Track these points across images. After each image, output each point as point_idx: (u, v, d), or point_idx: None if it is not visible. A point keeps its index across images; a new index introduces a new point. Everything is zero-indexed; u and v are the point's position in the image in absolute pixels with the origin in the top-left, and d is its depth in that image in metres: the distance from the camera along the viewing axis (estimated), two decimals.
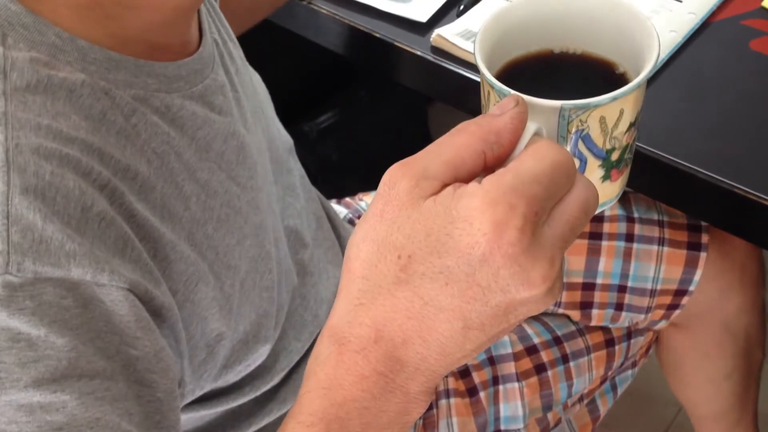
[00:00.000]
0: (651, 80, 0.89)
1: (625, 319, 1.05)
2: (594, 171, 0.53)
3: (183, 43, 0.67)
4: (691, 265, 1.02)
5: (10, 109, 0.53)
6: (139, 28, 0.61)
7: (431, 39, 0.97)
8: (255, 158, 0.73)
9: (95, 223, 0.53)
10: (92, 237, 0.53)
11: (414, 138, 1.94)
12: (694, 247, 1.02)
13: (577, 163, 0.51)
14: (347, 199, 1.12)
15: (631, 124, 0.52)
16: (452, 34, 0.97)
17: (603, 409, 1.11)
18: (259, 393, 0.76)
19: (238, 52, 0.80)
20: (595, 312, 1.05)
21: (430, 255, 0.42)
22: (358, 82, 1.74)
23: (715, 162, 0.81)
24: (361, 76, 1.72)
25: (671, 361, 1.16)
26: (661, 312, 1.05)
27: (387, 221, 0.44)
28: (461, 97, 0.98)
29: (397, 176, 0.44)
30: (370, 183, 1.58)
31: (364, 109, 1.76)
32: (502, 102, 0.47)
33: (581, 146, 0.51)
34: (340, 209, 1.08)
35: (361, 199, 1.12)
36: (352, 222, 1.06)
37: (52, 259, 0.50)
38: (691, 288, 1.03)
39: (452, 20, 0.98)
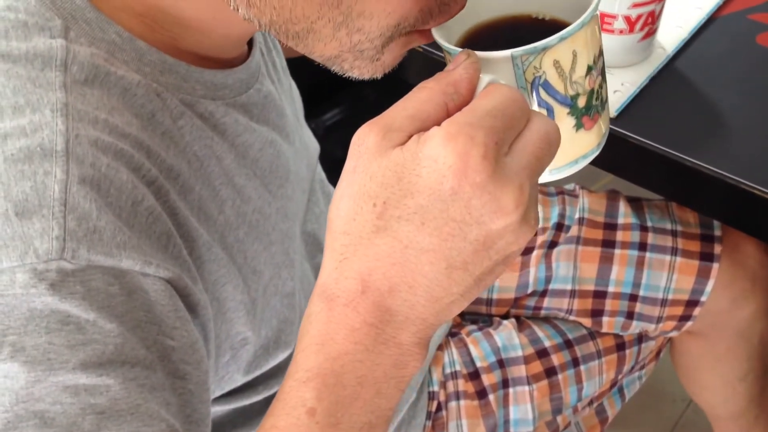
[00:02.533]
0: (657, 75, 0.89)
1: (636, 327, 1.05)
2: (564, 119, 0.54)
3: (235, 56, 0.68)
4: (703, 275, 1.01)
5: (70, 100, 0.53)
6: (189, 43, 0.62)
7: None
8: (290, 167, 0.74)
9: (143, 217, 0.54)
10: (140, 230, 0.53)
11: None
12: (707, 257, 1.02)
13: (543, 113, 0.52)
14: None
15: (590, 68, 0.53)
16: None
17: (611, 412, 1.10)
18: (272, 392, 0.76)
19: (280, 61, 0.81)
20: (605, 320, 1.04)
21: (403, 197, 0.44)
22: (364, 80, 1.74)
23: (722, 158, 0.81)
24: None
25: (685, 364, 1.16)
26: (672, 323, 1.04)
27: (360, 174, 0.45)
28: None
29: (365, 132, 0.46)
30: None
31: (370, 106, 1.75)
32: (455, 57, 0.50)
33: (543, 95, 0.52)
34: None
35: None
36: None
37: (105, 248, 0.51)
38: (703, 299, 1.02)
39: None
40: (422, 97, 0.47)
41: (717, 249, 1.02)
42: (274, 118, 0.72)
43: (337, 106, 1.66)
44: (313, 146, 0.88)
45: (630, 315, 1.04)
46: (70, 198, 0.50)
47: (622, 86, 0.87)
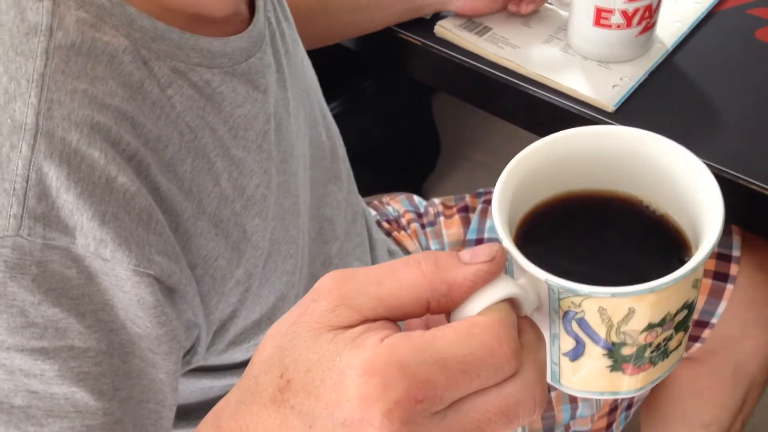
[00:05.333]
0: (655, 70, 0.89)
1: None
2: (596, 357, 0.43)
3: (228, 18, 0.67)
4: (714, 295, 0.97)
5: (49, 69, 0.53)
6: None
7: (434, 29, 0.96)
8: (293, 141, 0.73)
9: (119, 194, 0.53)
10: (116, 207, 0.53)
11: (418, 128, 1.94)
12: (721, 277, 0.97)
13: (572, 343, 0.43)
14: (374, 201, 1.12)
15: (651, 325, 0.42)
16: (455, 24, 0.96)
17: None
18: None
19: (291, 33, 0.80)
20: None
21: (303, 391, 0.38)
22: (362, 73, 1.74)
23: (720, 152, 0.80)
24: (365, 66, 1.72)
25: (655, 391, 1.11)
26: None
27: (292, 334, 0.39)
28: (464, 88, 0.98)
29: (324, 290, 0.39)
30: (375, 172, 1.58)
31: (369, 99, 1.76)
32: (477, 249, 0.40)
33: (576, 328, 0.42)
34: (364, 205, 1.07)
35: (388, 203, 1.12)
36: (379, 224, 1.06)
37: (60, 226, 0.51)
38: (714, 320, 0.98)
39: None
40: (406, 280, 0.39)
41: (733, 269, 0.97)
42: (277, 89, 0.71)
43: (336, 98, 1.66)
44: (329, 126, 0.87)
45: None
46: (33, 174, 0.50)
47: (620, 81, 0.87)
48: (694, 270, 0.40)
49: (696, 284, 0.43)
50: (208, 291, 0.63)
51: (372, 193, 1.14)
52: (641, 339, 0.42)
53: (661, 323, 0.42)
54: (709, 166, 0.78)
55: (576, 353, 0.44)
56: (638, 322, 0.41)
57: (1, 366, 0.50)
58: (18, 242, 0.49)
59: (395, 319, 0.39)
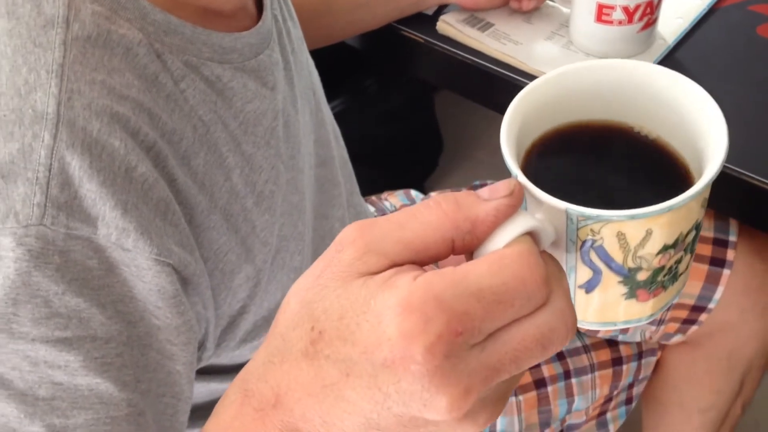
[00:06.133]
0: None
1: (636, 330, 1.01)
2: (612, 286, 0.44)
3: (237, 12, 0.67)
4: (711, 281, 0.97)
5: (68, 60, 0.53)
6: None
7: (437, 25, 0.97)
8: (300, 139, 0.73)
9: (138, 184, 0.53)
10: (135, 197, 0.53)
11: (420, 126, 1.94)
12: (717, 263, 0.96)
13: (588, 273, 0.44)
14: (372, 197, 1.12)
15: (666, 247, 0.43)
16: (457, 20, 0.97)
17: (614, 426, 1.06)
18: None
19: (296, 32, 0.80)
20: None
21: (337, 339, 0.38)
22: (364, 71, 1.74)
23: None
24: (367, 64, 1.72)
25: (653, 380, 1.11)
26: (675, 326, 1.00)
27: (318, 286, 0.39)
28: (466, 84, 0.98)
29: (348, 240, 0.39)
30: (377, 171, 1.58)
31: (371, 97, 1.76)
32: (495, 185, 0.41)
33: (594, 257, 0.43)
34: (366, 207, 1.07)
35: (386, 199, 1.12)
36: None
37: (83, 216, 0.51)
38: (711, 305, 0.98)
39: (458, 7, 0.98)
40: (429, 221, 0.39)
41: (730, 255, 0.97)
42: (285, 86, 0.71)
43: (338, 97, 1.67)
44: (332, 126, 0.87)
45: None
46: (56, 163, 0.50)
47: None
48: (705, 187, 0.41)
49: (704, 203, 0.44)
50: (218, 285, 0.63)
51: (374, 192, 1.14)
52: (656, 262, 0.43)
53: (674, 244, 0.43)
54: None
55: (592, 284, 0.44)
56: (654, 245, 0.42)
57: (26, 358, 0.49)
58: (42, 231, 0.49)
59: (421, 262, 0.39)
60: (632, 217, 0.40)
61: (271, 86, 0.68)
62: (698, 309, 0.99)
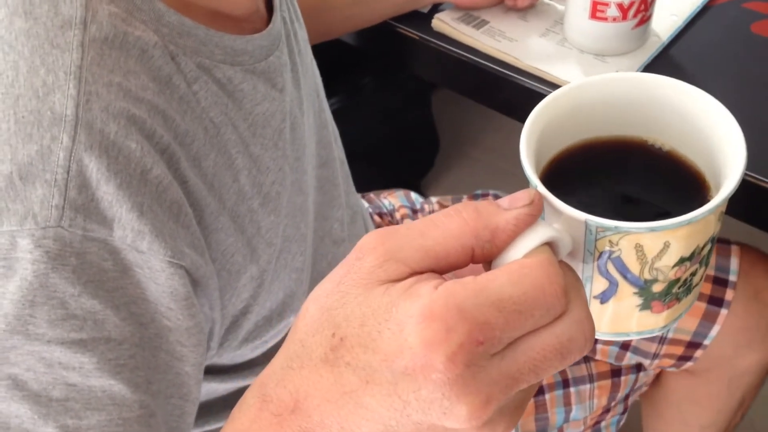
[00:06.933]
0: (651, 63, 0.89)
1: (631, 359, 1.02)
2: (627, 297, 0.45)
3: (247, 15, 0.67)
4: (708, 319, 0.97)
5: (86, 62, 0.53)
6: None
7: (432, 23, 0.97)
8: (305, 140, 0.74)
9: (153, 186, 0.54)
10: (150, 199, 0.53)
11: (417, 124, 1.94)
12: (716, 302, 0.97)
13: (604, 284, 0.44)
14: (370, 194, 1.12)
15: (683, 259, 0.43)
16: (452, 17, 0.97)
17: None
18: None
19: (302, 33, 0.81)
20: (599, 347, 1.01)
21: (358, 346, 0.38)
22: (361, 69, 1.74)
23: None
24: (364, 62, 1.72)
25: (657, 396, 1.12)
26: (670, 361, 1.01)
27: (339, 293, 0.40)
28: (462, 81, 0.98)
29: (369, 247, 0.40)
30: (374, 169, 1.58)
31: (368, 95, 1.77)
32: (515, 195, 0.41)
33: (611, 268, 0.43)
34: (362, 204, 1.08)
35: (385, 197, 1.12)
36: (370, 216, 1.06)
37: (99, 218, 0.51)
38: (706, 342, 0.98)
39: (453, 5, 0.98)
40: (449, 229, 0.39)
41: (729, 295, 0.97)
42: (292, 88, 0.72)
43: (335, 94, 1.67)
44: (332, 126, 0.88)
45: (625, 346, 1.00)
46: (74, 165, 0.50)
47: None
48: (724, 201, 0.42)
49: (720, 217, 0.45)
50: (224, 285, 0.63)
51: (371, 190, 1.14)
52: (672, 274, 0.44)
53: (691, 257, 0.43)
54: None
55: (607, 295, 0.45)
56: (671, 257, 0.43)
57: (41, 359, 0.49)
58: (59, 233, 0.50)
59: (441, 270, 0.39)
60: (652, 230, 0.41)
61: (280, 88, 0.69)
62: (694, 345, 0.99)
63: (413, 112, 1.91)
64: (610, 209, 0.43)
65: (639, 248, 0.42)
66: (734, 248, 0.99)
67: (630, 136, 0.50)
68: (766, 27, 0.93)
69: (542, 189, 0.42)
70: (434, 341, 0.36)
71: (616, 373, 1.02)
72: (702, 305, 0.97)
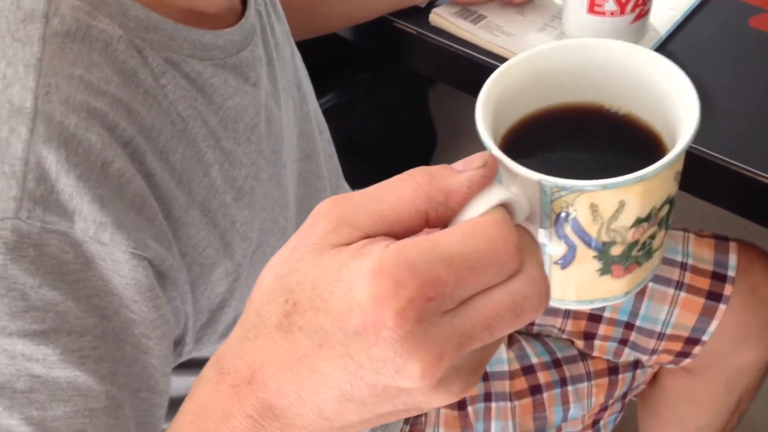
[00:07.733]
0: None
1: (629, 355, 1.02)
2: (587, 261, 0.45)
3: (221, 12, 0.67)
4: (706, 314, 0.97)
5: (46, 55, 0.53)
6: None
7: (429, 17, 0.97)
8: (283, 134, 0.74)
9: (114, 178, 0.54)
10: (111, 192, 0.53)
11: (414, 119, 1.94)
12: (714, 297, 0.97)
13: (563, 248, 0.44)
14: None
15: (639, 220, 0.43)
16: (450, 12, 0.97)
17: None
18: None
19: (281, 27, 0.80)
20: (597, 343, 1.01)
21: (310, 309, 0.38)
22: (358, 64, 1.74)
23: (713, 140, 0.81)
24: (361, 57, 1.72)
25: (653, 395, 1.12)
26: (668, 357, 1.01)
27: (293, 260, 0.39)
28: (459, 76, 0.98)
29: (322, 213, 0.39)
30: (370, 165, 1.58)
31: (365, 90, 1.76)
32: (469, 157, 0.41)
33: (568, 231, 0.43)
34: None
35: None
36: None
37: (59, 210, 0.51)
38: (705, 338, 0.98)
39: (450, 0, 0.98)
40: (403, 193, 0.39)
41: (727, 290, 0.97)
42: (267, 82, 0.71)
43: (332, 90, 1.67)
44: (318, 120, 0.87)
45: (624, 342, 1.00)
46: (32, 157, 0.50)
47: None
48: (677, 157, 0.42)
49: (677, 177, 0.45)
50: (196, 279, 0.63)
51: (367, 186, 1.14)
52: (629, 236, 0.43)
53: (648, 217, 0.43)
54: (702, 152, 0.79)
55: (567, 259, 0.45)
56: (627, 217, 0.42)
57: (3, 351, 0.49)
58: (17, 224, 0.49)
59: (395, 234, 0.39)
60: (605, 187, 0.41)
61: (253, 82, 0.68)
62: (692, 341, 0.99)
63: (410, 107, 1.91)
64: (569, 174, 0.42)
65: (594, 208, 0.42)
66: (732, 244, 0.99)
67: (587, 102, 0.49)
68: (764, 21, 0.93)
69: (496, 151, 0.42)
70: (384, 297, 0.36)
71: (613, 370, 1.02)
72: (700, 300, 0.97)
